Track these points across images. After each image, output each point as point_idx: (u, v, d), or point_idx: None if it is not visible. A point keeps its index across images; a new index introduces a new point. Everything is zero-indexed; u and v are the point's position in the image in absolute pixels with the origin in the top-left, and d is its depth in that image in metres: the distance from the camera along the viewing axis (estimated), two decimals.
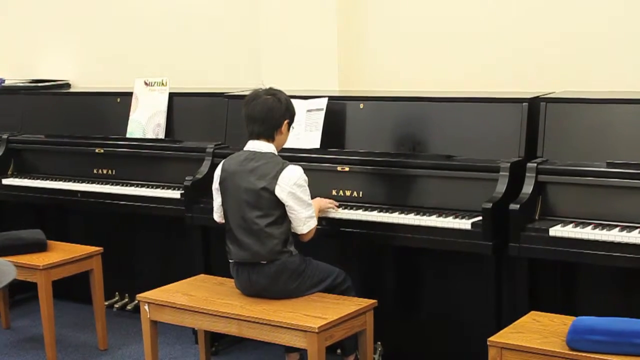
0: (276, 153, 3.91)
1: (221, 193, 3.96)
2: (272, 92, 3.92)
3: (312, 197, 3.96)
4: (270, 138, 3.90)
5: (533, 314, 3.48)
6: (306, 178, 3.85)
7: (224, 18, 5.57)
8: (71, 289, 5.24)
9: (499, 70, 4.62)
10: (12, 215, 5.62)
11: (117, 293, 5.36)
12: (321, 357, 3.56)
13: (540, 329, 3.32)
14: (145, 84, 5.24)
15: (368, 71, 5.05)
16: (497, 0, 4.63)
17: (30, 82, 6.15)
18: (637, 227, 3.54)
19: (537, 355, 3.16)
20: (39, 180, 5.38)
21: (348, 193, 4.25)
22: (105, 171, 5.25)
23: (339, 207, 4.15)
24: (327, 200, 4.15)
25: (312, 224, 3.87)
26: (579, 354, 3.07)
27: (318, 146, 4.39)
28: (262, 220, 3.81)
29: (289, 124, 3.95)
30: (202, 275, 4.35)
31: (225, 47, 5.57)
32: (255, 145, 3.90)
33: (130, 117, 5.26)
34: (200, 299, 3.94)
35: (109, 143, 5.22)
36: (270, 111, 3.87)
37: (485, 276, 3.86)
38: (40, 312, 4.56)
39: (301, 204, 3.82)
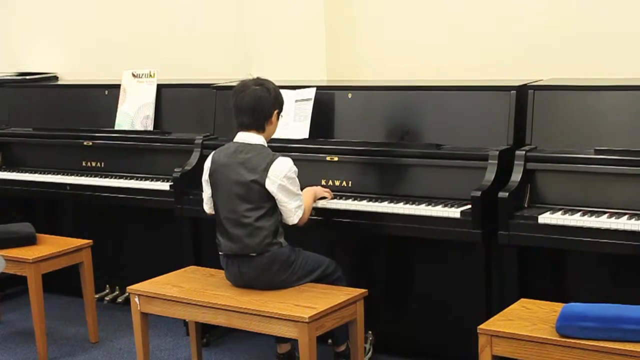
0: (265, 144, 3.90)
1: (211, 185, 3.95)
2: (260, 82, 3.91)
3: (304, 187, 3.97)
4: (260, 129, 3.89)
5: (523, 302, 3.49)
6: (296, 169, 3.85)
7: (212, 10, 5.55)
8: (61, 282, 5.23)
9: (487, 58, 4.61)
10: (1, 209, 5.59)
11: (107, 286, 5.35)
12: (312, 347, 3.57)
13: (530, 316, 3.33)
14: (133, 75, 5.23)
15: (356, 61, 5.04)
16: None
17: (18, 75, 6.12)
18: (625, 214, 3.55)
19: (526, 343, 3.17)
20: (27, 174, 5.36)
21: (337, 183, 4.25)
22: (94, 164, 5.23)
23: (333, 197, 4.15)
24: (322, 188, 4.16)
25: (301, 212, 3.87)
26: (569, 340, 3.08)
27: (307, 136, 4.39)
28: (252, 213, 3.80)
29: (279, 114, 3.94)
30: (192, 266, 4.35)
31: (213, 39, 5.55)
32: (244, 137, 3.89)
33: (119, 109, 5.24)
34: (190, 290, 3.93)
35: (98, 135, 5.21)
36: (259, 102, 3.86)
37: (475, 264, 3.87)
38: (30, 306, 4.54)
39: (290, 195, 3.82)
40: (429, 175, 4.03)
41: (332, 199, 4.15)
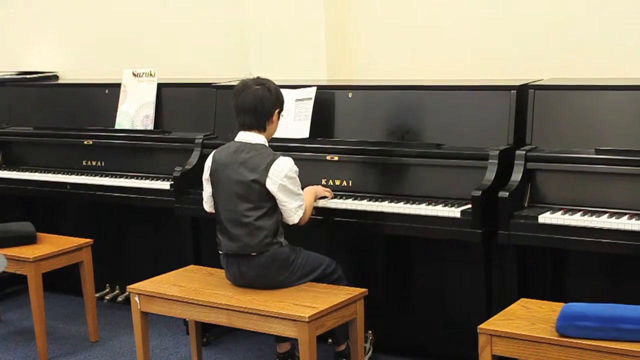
0: (266, 144, 3.90)
1: (211, 184, 3.96)
2: (261, 82, 3.91)
3: (305, 186, 3.97)
4: (261, 129, 3.89)
5: (522, 301, 3.49)
6: (297, 169, 3.85)
7: (213, 9, 5.55)
8: (61, 281, 5.23)
9: (487, 58, 4.61)
10: (1, 208, 5.59)
11: (107, 285, 5.35)
12: (312, 346, 3.57)
13: (529, 315, 3.33)
14: (134, 75, 5.23)
15: (356, 60, 5.04)
16: None
17: (18, 74, 6.12)
18: (625, 214, 3.55)
19: (526, 342, 3.17)
20: (28, 173, 5.36)
21: (337, 182, 4.25)
22: (94, 163, 5.24)
23: (333, 197, 4.15)
24: (323, 188, 4.16)
25: (301, 212, 3.87)
26: (568, 340, 3.08)
27: (307, 136, 4.39)
28: (252, 213, 3.80)
29: (279, 113, 3.94)
30: (192, 265, 4.35)
31: (213, 37, 5.55)
32: (245, 137, 3.89)
33: (119, 109, 5.24)
34: (190, 289, 3.93)
35: (98, 135, 5.21)
36: (261, 102, 3.86)
37: (475, 264, 3.87)
38: (30, 305, 4.54)
39: (290, 195, 3.82)
40: (429, 174, 4.04)
41: (332, 198, 4.15)
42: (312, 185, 4.15)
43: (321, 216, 4.11)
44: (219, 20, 5.53)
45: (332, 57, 5.02)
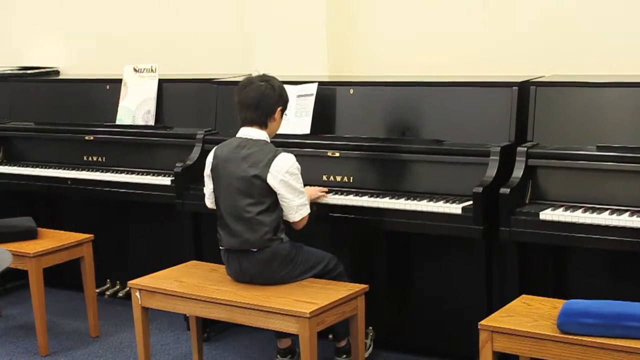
0: (269, 140, 3.90)
1: (213, 180, 3.95)
2: (266, 79, 3.91)
3: (305, 182, 3.97)
4: (263, 125, 3.89)
5: (524, 298, 3.49)
6: (299, 166, 3.84)
7: (214, 5, 5.55)
8: (62, 277, 5.23)
9: (489, 54, 4.61)
10: (2, 203, 5.58)
11: (108, 280, 5.35)
12: (313, 342, 3.57)
13: (530, 312, 3.33)
14: (135, 70, 5.23)
15: (358, 56, 5.04)
16: None
17: (19, 69, 6.12)
18: (627, 210, 3.55)
19: (527, 339, 3.17)
20: (28, 168, 5.36)
21: (338, 178, 4.25)
22: (95, 158, 5.24)
23: (328, 192, 4.15)
24: (318, 189, 4.15)
25: (305, 212, 3.86)
26: (570, 337, 3.08)
27: (308, 132, 4.39)
28: (253, 208, 3.80)
29: (282, 111, 3.94)
30: (193, 261, 4.35)
31: (214, 33, 5.55)
32: (248, 132, 3.89)
33: (120, 104, 5.24)
34: (191, 285, 3.94)
35: (99, 130, 5.21)
36: (263, 98, 3.85)
37: (476, 260, 3.87)
38: (31, 300, 4.55)
39: (293, 192, 3.81)
40: (430, 171, 4.03)
41: (328, 192, 4.14)
42: (313, 181, 4.15)
43: (322, 212, 4.11)
44: (220, 15, 5.52)
45: (333, 54, 5.01)
